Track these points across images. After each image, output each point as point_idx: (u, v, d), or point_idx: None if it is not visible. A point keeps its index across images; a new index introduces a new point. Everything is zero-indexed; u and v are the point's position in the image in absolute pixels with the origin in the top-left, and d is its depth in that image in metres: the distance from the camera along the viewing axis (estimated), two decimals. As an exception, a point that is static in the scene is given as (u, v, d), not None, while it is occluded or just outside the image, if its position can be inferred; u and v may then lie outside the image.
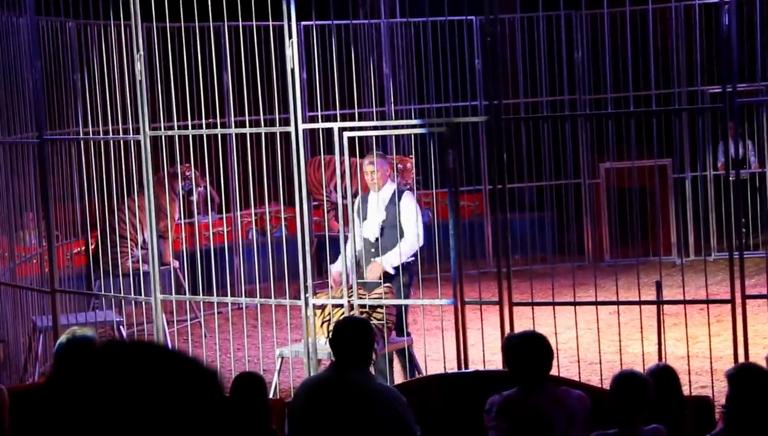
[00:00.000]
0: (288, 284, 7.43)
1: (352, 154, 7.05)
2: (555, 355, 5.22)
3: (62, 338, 5.60)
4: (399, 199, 7.16)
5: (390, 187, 7.51)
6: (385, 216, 7.40)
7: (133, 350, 1.57)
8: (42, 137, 7.92)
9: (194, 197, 8.27)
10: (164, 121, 7.46)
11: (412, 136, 9.17)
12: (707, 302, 6.73)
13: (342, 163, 7.04)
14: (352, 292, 7.02)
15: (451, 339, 6.74)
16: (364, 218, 7.40)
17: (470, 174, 11.77)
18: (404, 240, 7.36)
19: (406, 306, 7.33)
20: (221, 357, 7.92)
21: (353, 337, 5.07)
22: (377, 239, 7.38)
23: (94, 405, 1.53)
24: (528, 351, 4.96)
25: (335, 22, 7.39)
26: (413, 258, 7.41)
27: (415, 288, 7.51)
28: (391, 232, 7.30)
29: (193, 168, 7.82)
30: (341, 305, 7.07)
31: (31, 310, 8.39)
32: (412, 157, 10.42)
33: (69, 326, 6.85)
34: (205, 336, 8.37)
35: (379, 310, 7.17)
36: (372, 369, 5.60)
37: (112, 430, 1.50)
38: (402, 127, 8.54)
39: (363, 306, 7.15)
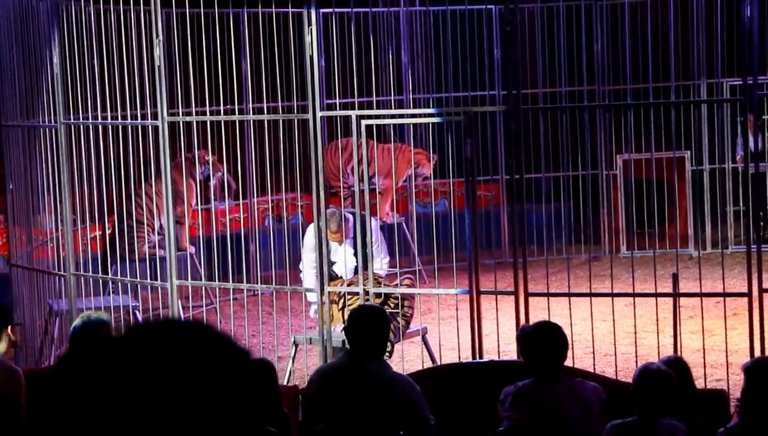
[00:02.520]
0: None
1: (369, 137, 7.06)
2: (570, 346, 5.23)
3: (77, 321, 5.65)
4: (363, 225, 7.17)
5: (350, 227, 7.61)
6: (353, 255, 7.52)
7: (162, 327, 1.59)
8: (60, 121, 7.95)
9: (211, 183, 8.29)
10: (182, 107, 7.48)
11: (430, 125, 9.17)
12: (724, 295, 6.71)
13: (359, 146, 7.05)
14: (368, 280, 7.05)
15: (465, 329, 6.76)
16: (330, 260, 7.46)
17: (487, 164, 11.76)
18: (378, 263, 7.50)
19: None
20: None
21: (368, 325, 5.09)
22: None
23: (125, 380, 1.54)
24: (543, 342, 4.99)
25: (354, 9, 7.39)
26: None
27: (430, 277, 7.52)
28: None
29: (210, 154, 7.83)
30: (357, 293, 7.09)
31: (47, 293, 8.44)
32: (432, 155, 10.45)
33: (85, 310, 6.90)
34: (220, 322, 8.41)
35: (394, 299, 7.19)
36: (387, 357, 5.62)
37: (133, 404, 1.51)
38: (420, 116, 8.54)
39: (378, 294, 7.17)
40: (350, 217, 7.62)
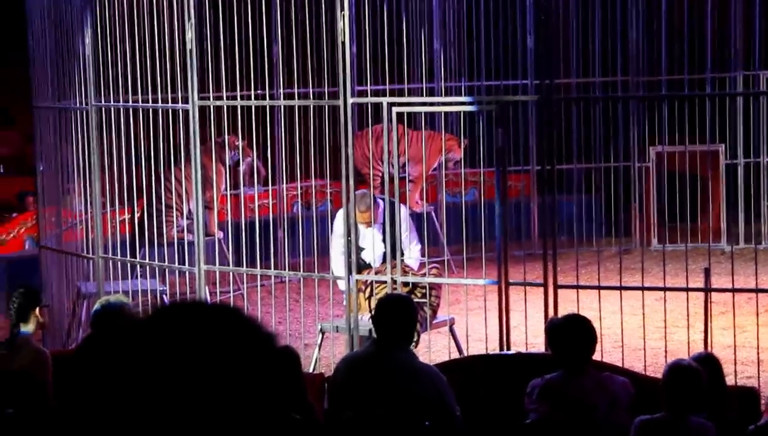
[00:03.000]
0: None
1: (400, 124, 7.03)
2: (598, 339, 5.19)
3: (96, 305, 5.69)
4: (392, 213, 7.13)
5: (379, 213, 7.57)
6: (382, 242, 7.49)
7: (192, 309, 1.59)
8: (91, 104, 7.98)
9: (240, 169, 8.30)
10: (213, 91, 7.49)
11: (461, 113, 9.13)
12: (756, 290, 6.65)
13: (390, 131, 7.03)
14: (395, 270, 7.03)
15: (493, 320, 6.74)
16: (358, 246, 7.42)
17: (518, 154, 11.70)
18: (409, 254, 7.47)
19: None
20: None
21: (396, 314, 5.09)
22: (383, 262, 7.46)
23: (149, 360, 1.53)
24: (571, 334, 4.97)
25: (387, -5, 7.37)
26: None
27: (458, 267, 7.49)
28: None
29: (240, 139, 7.84)
30: (385, 282, 7.08)
31: (76, 275, 8.49)
32: (463, 139, 10.39)
33: (113, 293, 6.94)
34: (247, 309, 8.43)
35: (421, 288, 7.18)
36: (413, 347, 5.61)
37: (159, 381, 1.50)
38: (451, 104, 8.50)
39: (407, 284, 7.15)
40: (380, 202, 7.61)
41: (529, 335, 6.91)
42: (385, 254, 7.40)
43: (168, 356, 1.52)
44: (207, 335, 1.54)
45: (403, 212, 7.51)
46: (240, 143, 8.19)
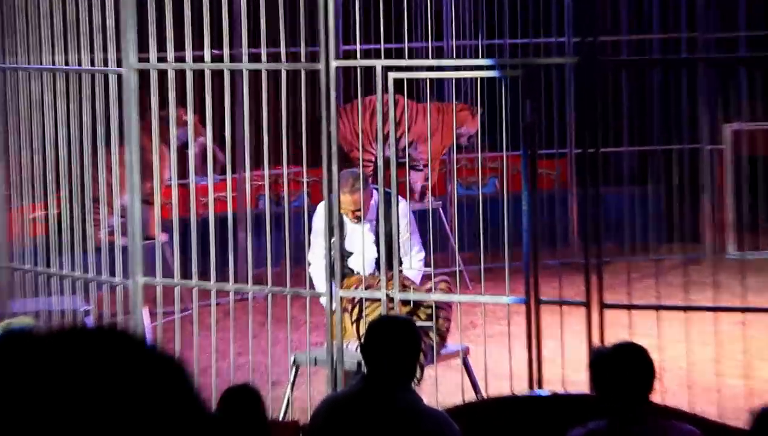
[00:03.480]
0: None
1: (399, 94, 7.03)
2: (658, 376, 5.19)
3: None
4: (387, 207, 7.13)
5: (372, 204, 7.62)
6: (375, 245, 7.53)
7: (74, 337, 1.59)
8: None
9: (191, 151, 8.29)
10: (155, 52, 7.48)
11: (478, 80, 9.12)
12: None
13: (386, 104, 7.03)
14: (391, 283, 7.03)
15: (520, 350, 6.74)
16: (344, 250, 7.41)
17: (552, 133, 11.71)
18: (409, 263, 7.53)
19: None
20: (218, 363, 7.96)
21: (392, 341, 5.08)
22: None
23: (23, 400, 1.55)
24: (623, 369, 4.95)
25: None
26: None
27: (474, 280, 7.47)
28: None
29: (190, 113, 7.82)
30: (378, 300, 7.08)
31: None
32: (476, 108, 10.39)
33: (19, 314, 6.91)
34: (198, 334, 8.41)
35: (426, 308, 7.17)
36: (415, 385, 5.61)
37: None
38: (465, 68, 8.49)
39: (407, 302, 7.15)
40: (374, 192, 7.61)
41: (568, 370, 6.91)
42: (378, 260, 7.40)
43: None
44: (68, 383, 1.57)
45: (403, 208, 7.51)
46: (190, 118, 8.17)
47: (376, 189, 7.47)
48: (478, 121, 10.66)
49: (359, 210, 7.49)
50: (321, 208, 7.50)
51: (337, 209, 7.22)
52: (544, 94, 10.67)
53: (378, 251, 7.41)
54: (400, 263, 7.28)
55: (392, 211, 7.15)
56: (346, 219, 7.50)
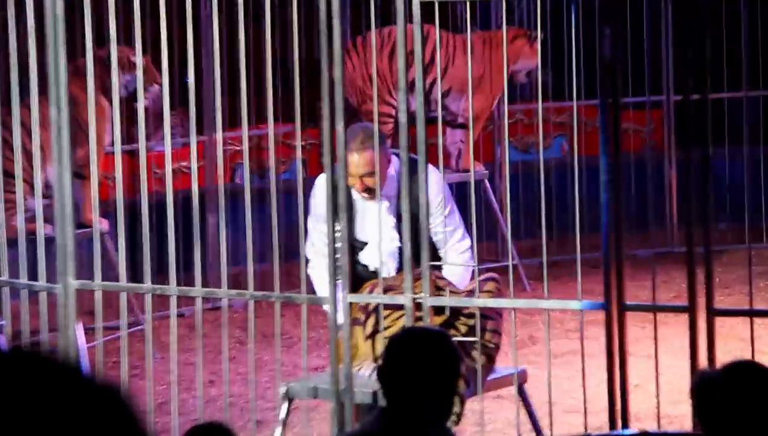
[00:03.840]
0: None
1: (429, 22, 7.00)
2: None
3: None
4: (413, 180, 7.11)
5: (392, 174, 7.51)
6: (397, 232, 7.43)
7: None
8: None
9: (140, 104, 8.28)
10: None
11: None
12: None
13: (410, 36, 7.01)
14: (420, 285, 7.02)
15: (598, 372, 6.71)
16: (354, 239, 7.39)
17: (642, 73, 11.67)
18: (447, 256, 7.49)
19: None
20: (181, 396, 7.96)
21: (422, 364, 5.08)
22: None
23: None
24: (738, 397, 4.94)
25: None
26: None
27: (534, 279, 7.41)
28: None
29: (139, 52, 7.81)
30: (401, 307, 7.06)
31: None
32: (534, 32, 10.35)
33: None
34: (155, 356, 8.42)
35: (467, 317, 7.16)
36: (451, 422, 5.59)
37: None
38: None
39: (441, 310, 7.13)
40: (394, 158, 7.59)
41: (664, 400, 6.90)
42: (401, 252, 7.38)
43: None
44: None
45: (436, 180, 7.49)
46: (139, 60, 8.17)
47: (397, 154, 7.44)
48: (539, 49, 10.57)
49: (371, 176, 7.45)
50: (322, 183, 7.48)
51: (344, 181, 7.18)
52: (631, 20, 10.64)
53: (401, 240, 7.39)
54: (433, 257, 7.24)
55: (420, 185, 7.12)
56: (355, 195, 7.48)
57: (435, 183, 7.51)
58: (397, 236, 7.54)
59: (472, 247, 7.71)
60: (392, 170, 7.64)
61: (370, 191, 7.53)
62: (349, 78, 9.37)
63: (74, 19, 7.67)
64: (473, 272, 7.43)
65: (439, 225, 7.57)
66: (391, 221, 7.62)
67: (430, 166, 7.47)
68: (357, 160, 7.48)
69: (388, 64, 10.90)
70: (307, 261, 7.71)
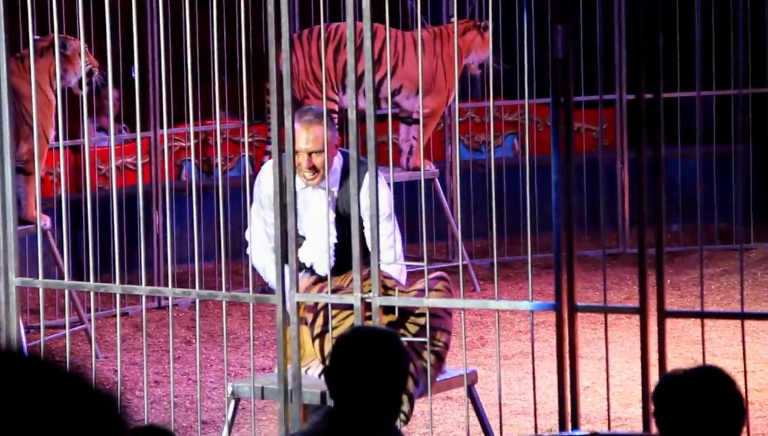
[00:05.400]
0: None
1: (379, 21, 6.97)
2: (747, 410, 5.16)
3: None
4: (358, 182, 7.09)
5: (336, 167, 7.47)
6: (336, 229, 7.37)
7: None
8: None
9: (83, 93, 8.22)
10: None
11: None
12: None
13: (358, 34, 6.98)
14: (369, 283, 6.99)
15: (548, 374, 6.70)
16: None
17: (594, 72, 11.67)
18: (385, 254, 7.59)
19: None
20: (125, 396, 7.91)
21: (370, 363, 5.05)
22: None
23: None
24: (699, 401, 4.92)
25: None
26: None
27: (484, 279, 7.40)
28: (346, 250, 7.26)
29: (82, 39, 7.75)
30: (350, 306, 7.02)
31: None
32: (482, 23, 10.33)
33: None
34: (98, 357, 8.37)
35: (416, 317, 7.14)
36: (400, 422, 5.56)
37: None
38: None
39: (390, 309, 7.10)
40: (340, 154, 7.55)
41: (614, 403, 6.89)
42: (337, 249, 7.33)
43: None
44: None
45: (383, 181, 7.45)
46: (82, 47, 8.11)
47: (345, 153, 7.41)
48: (489, 40, 10.54)
49: (320, 155, 7.41)
50: (268, 168, 7.46)
51: (291, 168, 7.08)
52: (583, 17, 10.64)
53: (338, 236, 7.35)
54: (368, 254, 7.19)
55: (370, 184, 7.06)
56: (297, 186, 7.38)
57: (384, 188, 7.45)
58: (335, 232, 7.50)
59: (405, 247, 7.71)
60: (337, 164, 7.61)
61: (315, 171, 7.47)
62: (295, 73, 9.32)
63: (16, 10, 7.61)
64: (422, 270, 7.38)
65: (383, 224, 7.51)
66: (332, 215, 7.58)
67: (381, 179, 7.38)
68: (306, 136, 7.46)
69: (333, 61, 10.88)
70: (246, 251, 7.65)
